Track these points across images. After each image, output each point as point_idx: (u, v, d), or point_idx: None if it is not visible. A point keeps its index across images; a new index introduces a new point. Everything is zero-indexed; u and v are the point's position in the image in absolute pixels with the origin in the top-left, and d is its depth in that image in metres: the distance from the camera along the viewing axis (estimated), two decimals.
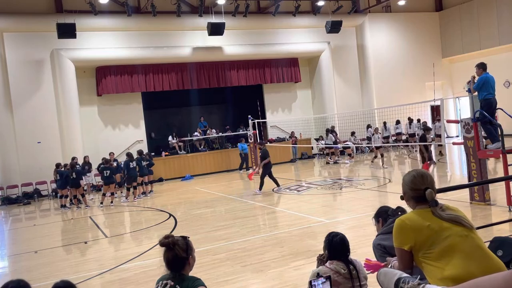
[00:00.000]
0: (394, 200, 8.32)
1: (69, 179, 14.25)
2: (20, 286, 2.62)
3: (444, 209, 2.67)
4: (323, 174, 16.94)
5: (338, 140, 20.35)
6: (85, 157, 17.19)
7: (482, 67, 9.08)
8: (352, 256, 3.71)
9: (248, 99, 22.34)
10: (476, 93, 9.15)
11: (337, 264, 3.51)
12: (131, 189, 14.64)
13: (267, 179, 13.40)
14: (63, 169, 14.98)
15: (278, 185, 13.48)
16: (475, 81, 9.11)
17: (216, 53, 20.65)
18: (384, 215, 3.94)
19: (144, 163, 15.24)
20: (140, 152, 15.87)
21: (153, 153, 19.47)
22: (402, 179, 2.88)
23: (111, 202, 14.08)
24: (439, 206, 2.67)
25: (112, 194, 14.40)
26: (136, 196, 14.70)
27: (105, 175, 14.21)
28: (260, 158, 13.55)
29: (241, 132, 21.15)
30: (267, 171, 13.34)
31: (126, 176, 14.63)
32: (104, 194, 14.33)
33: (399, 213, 3.59)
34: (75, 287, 2.77)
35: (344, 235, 3.68)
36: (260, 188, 13.24)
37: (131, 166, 14.46)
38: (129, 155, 15.25)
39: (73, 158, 15.67)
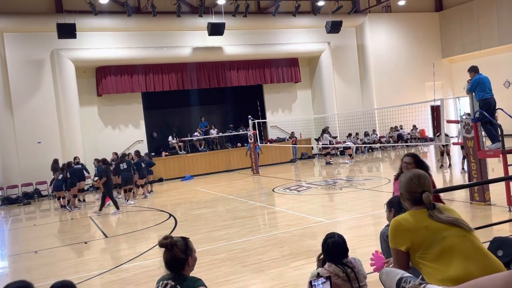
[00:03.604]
0: None
1: (67, 180, 14.16)
2: (25, 286, 2.62)
3: (442, 211, 2.64)
4: (323, 174, 16.94)
5: (332, 141, 20.32)
6: (55, 160, 16.34)
7: (473, 70, 9.11)
8: (353, 256, 3.70)
9: (248, 99, 22.34)
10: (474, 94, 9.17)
11: (335, 267, 3.50)
12: (127, 191, 14.45)
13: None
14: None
15: (117, 208, 12.46)
16: None
17: (216, 53, 20.65)
18: (396, 206, 3.88)
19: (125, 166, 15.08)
20: (124, 155, 15.72)
21: (153, 153, 19.48)
22: (399, 180, 2.86)
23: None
24: (436, 208, 2.65)
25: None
26: (128, 199, 14.14)
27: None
28: (99, 176, 12.73)
29: (241, 132, 21.15)
30: (110, 189, 12.52)
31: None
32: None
33: None
34: (74, 286, 2.77)
35: (341, 236, 3.65)
36: (117, 207, 12.44)
37: (121, 168, 14.21)
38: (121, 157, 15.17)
39: (75, 158, 15.64)
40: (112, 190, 12.83)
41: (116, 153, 16.43)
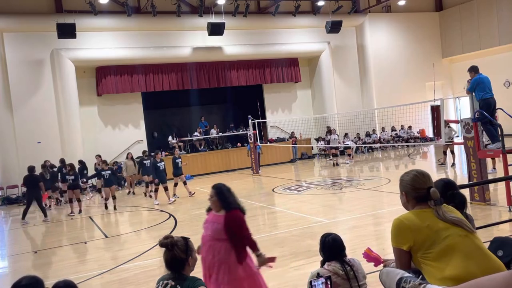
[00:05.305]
0: (395, 200, 8.32)
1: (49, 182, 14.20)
2: (34, 282, 2.63)
3: (446, 211, 2.65)
4: (323, 174, 16.94)
5: (339, 141, 20.27)
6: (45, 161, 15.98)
7: (473, 70, 9.12)
8: (353, 256, 3.70)
9: (248, 99, 22.34)
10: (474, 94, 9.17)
11: (335, 266, 3.50)
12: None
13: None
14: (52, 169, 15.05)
15: (45, 215, 12.45)
16: None
17: (216, 53, 20.65)
18: None
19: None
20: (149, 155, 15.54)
21: (152, 153, 19.42)
22: (400, 179, 2.85)
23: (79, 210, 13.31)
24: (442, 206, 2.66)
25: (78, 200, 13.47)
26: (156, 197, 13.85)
27: (69, 181, 13.42)
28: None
29: (241, 132, 21.15)
30: (31, 197, 12.43)
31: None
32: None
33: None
34: (75, 286, 2.77)
35: (337, 234, 3.66)
36: (45, 215, 12.44)
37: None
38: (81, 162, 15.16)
39: (81, 159, 15.77)
40: (40, 199, 12.55)
41: (99, 156, 16.09)
